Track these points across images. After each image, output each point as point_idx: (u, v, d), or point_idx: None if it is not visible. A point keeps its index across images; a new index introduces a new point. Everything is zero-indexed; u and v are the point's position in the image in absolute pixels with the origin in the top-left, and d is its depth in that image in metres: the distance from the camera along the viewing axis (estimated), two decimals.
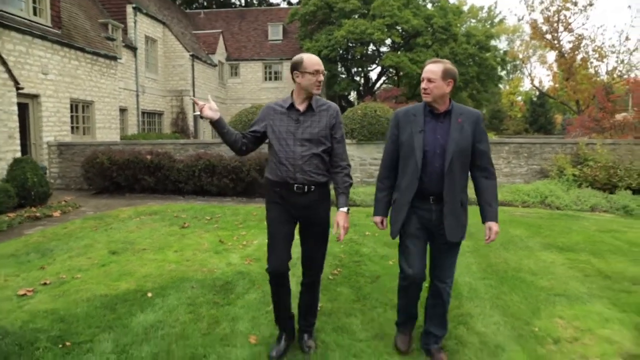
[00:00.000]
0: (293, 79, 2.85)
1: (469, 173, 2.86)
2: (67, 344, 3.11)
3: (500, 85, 42.95)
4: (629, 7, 52.32)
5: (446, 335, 3.08)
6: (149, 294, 4.03)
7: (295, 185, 2.78)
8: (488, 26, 44.77)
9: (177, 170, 10.43)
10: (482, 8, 51.38)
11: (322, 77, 2.82)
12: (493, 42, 30.10)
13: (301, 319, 3.10)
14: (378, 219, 3.03)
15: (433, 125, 2.77)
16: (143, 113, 19.95)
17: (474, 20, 51.24)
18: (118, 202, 9.63)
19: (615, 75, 23.01)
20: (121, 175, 10.53)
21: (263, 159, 10.05)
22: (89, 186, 11.31)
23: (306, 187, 2.79)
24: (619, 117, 13.95)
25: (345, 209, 2.87)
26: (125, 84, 18.15)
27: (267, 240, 2.92)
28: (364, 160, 11.11)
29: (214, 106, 2.87)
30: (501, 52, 30.09)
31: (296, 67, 2.81)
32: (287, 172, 2.78)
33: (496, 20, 50.71)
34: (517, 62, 44.97)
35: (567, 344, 3.18)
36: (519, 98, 52.42)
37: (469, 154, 2.76)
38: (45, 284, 4.35)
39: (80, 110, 13.79)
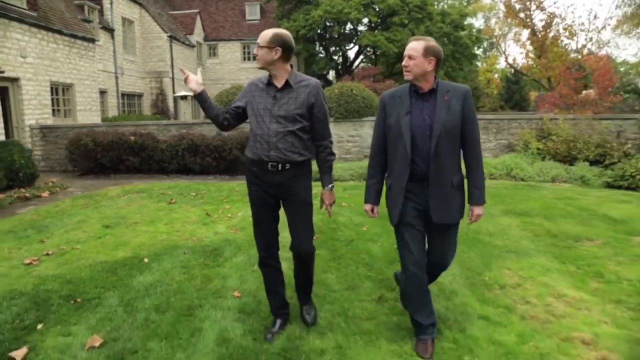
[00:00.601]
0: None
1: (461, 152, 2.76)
2: (78, 300, 3.54)
3: (478, 63, 43.65)
4: None
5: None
6: (145, 260, 4.46)
7: (269, 163, 2.74)
8: (465, 3, 45.27)
9: (160, 150, 10.76)
10: None
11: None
12: (468, 21, 30.60)
13: (299, 292, 3.15)
14: (368, 206, 2.93)
15: (419, 106, 2.66)
16: (123, 95, 20.00)
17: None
18: (104, 183, 9.94)
19: (584, 53, 23.76)
20: (106, 157, 10.81)
21: (244, 137, 10.44)
22: (73, 168, 11.56)
23: (280, 165, 2.74)
24: (584, 93, 14.63)
25: (330, 187, 2.90)
26: (104, 65, 18.16)
27: (253, 226, 2.98)
28: (341, 137, 11.56)
29: (200, 79, 2.88)
30: (475, 31, 30.55)
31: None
32: (262, 150, 2.74)
33: None
34: (494, 40, 45.72)
35: (511, 289, 3.73)
36: (496, 75, 53.25)
37: (458, 133, 2.65)
38: (47, 254, 4.74)
39: (60, 93, 13.90)
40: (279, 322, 3.03)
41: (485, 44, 44.29)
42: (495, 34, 44.22)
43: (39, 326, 3.12)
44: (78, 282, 3.92)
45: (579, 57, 22.54)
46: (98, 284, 3.87)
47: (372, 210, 2.94)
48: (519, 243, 4.91)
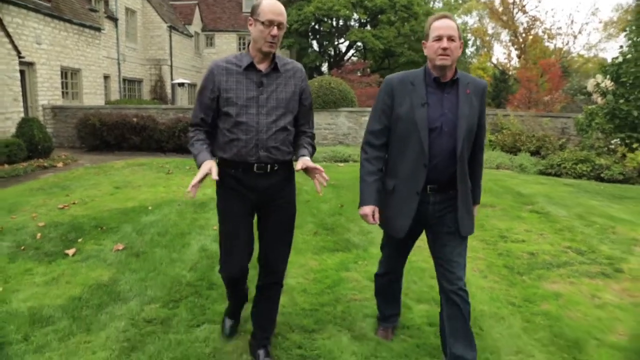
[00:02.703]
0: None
1: None
2: (103, 227, 5.02)
3: (474, 60, 45.04)
4: None
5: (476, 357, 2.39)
6: (150, 207, 5.94)
7: (256, 165, 2.26)
8: (461, 1, 46.65)
9: (159, 131, 12.20)
10: None
11: (276, 31, 2.19)
12: (463, 19, 32.03)
13: (257, 328, 2.56)
14: (368, 209, 2.37)
15: (438, 97, 2.28)
16: (124, 80, 21.34)
17: None
18: (109, 157, 11.37)
19: (566, 55, 25.25)
20: (111, 135, 12.23)
21: None
22: (81, 144, 12.97)
23: (269, 166, 2.28)
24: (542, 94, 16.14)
25: (307, 156, 2.36)
26: (107, 52, 19.48)
27: (219, 241, 2.50)
28: (319, 125, 13.04)
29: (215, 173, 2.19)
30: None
31: (252, 12, 2.25)
32: (246, 149, 2.24)
33: None
34: (487, 38, 47.21)
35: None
36: (487, 74, 54.83)
37: (474, 132, 2.33)
38: (74, 203, 6.20)
39: (69, 77, 15.26)
40: (231, 323, 2.83)
41: (478, 41, 45.75)
42: (490, 32, 45.58)
43: (79, 240, 4.60)
44: (101, 218, 5.40)
45: (559, 58, 24.01)
46: (116, 220, 5.35)
47: (373, 215, 2.37)
48: None
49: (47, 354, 2.58)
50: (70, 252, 4.24)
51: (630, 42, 9.76)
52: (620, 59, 9.76)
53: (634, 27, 9.70)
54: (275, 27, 2.18)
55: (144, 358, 2.55)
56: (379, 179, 2.40)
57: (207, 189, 7.30)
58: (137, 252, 4.28)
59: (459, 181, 2.29)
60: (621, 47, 10.02)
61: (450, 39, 2.20)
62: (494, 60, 41.41)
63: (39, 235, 4.71)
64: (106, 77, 19.27)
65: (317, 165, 2.23)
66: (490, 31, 44.20)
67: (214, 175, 2.15)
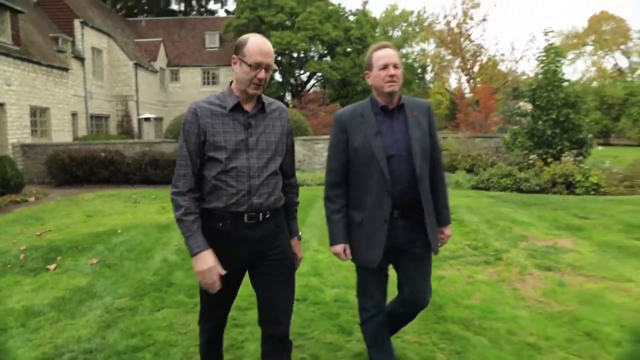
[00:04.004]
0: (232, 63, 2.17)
1: None
2: (78, 247, 5.85)
3: (432, 85, 47.41)
4: (514, 23, 61.00)
5: None
6: (119, 231, 6.79)
7: (247, 214, 2.10)
8: (418, 29, 49.14)
9: (127, 164, 13.00)
10: (412, 12, 55.94)
11: (263, 74, 2.07)
12: (421, 46, 34.00)
13: None
14: (339, 247, 2.44)
15: (388, 125, 2.36)
16: (91, 117, 22.05)
17: (405, 24, 55.61)
18: (79, 191, 12.08)
19: (504, 80, 27.20)
20: (80, 170, 12.96)
21: None
22: (51, 180, 13.61)
23: (261, 214, 2.13)
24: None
25: (300, 235, 2.39)
26: (74, 90, 20.21)
27: (200, 300, 2.35)
28: None
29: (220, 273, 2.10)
30: (411, 60, 34.06)
31: (237, 50, 2.11)
32: (237, 197, 2.08)
33: (425, 24, 55.37)
34: (444, 64, 49.76)
35: None
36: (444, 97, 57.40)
37: (429, 152, 2.40)
38: (50, 230, 6.99)
39: (38, 115, 15.96)
40: None
41: (436, 66, 48.24)
42: (447, 58, 48.03)
43: (58, 258, 5.43)
44: (76, 241, 6.22)
45: (502, 84, 25.90)
46: (89, 242, 6.18)
47: (345, 252, 2.45)
48: None
49: (41, 332, 3.45)
50: (52, 267, 5.07)
51: (542, 70, 11.22)
52: (535, 85, 11.19)
53: (544, 58, 11.18)
54: (263, 70, 2.06)
55: (116, 331, 3.43)
56: (344, 215, 2.44)
57: (170, 213, 8.20)
58: (109, 264, 5.14)
59: (424, 202, 2.35)
60: (536, 74, 11.48)
61: (395, 66, 2.31)
62: (451, 85, 43.88)
63: (22, 256, 5.51)
64: (74, 115, 19.95)
65: (301, 256, 2.41)
66: (448, 57, 46.77)
67: (221, 271, 2.08)
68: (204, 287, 2.11)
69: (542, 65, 11.21)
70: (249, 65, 2.04)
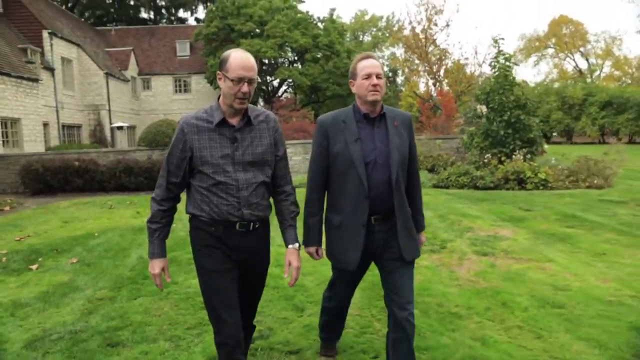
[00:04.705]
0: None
1: None
2: (58, 250, 6.25)
3: (403, 88, 48.47)
4: (476, 27, 62.94)
5: None
6: (96, 234, 7.18)
7: (239, 223, 2.22)
8: (387, 34, 50.22)
9: (101, 173, 13.29)
10: (381, 17, 57.13)
11: (246, 88, 2.15)
12: (390, 50, 34.81)
13: None
14: (313, 249, 2.58)
15: (369, 132, 2.43)
16: (63, 126, 22.13)
17: (374, 29, 56.72)
18: (54, 199, 12.32)
19: (470, 82, 28.22)
20: (54, 179, 13.19)
21: None
22: (24, 189, 13.78)
23: (251, 224, 2.25)
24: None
25: (297, 245, 2.41)
26: (45, 101, 20.29)
27: (206, 304, 2.35)
28: None
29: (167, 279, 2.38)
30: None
31: (220, 66, 2.22)
32: (228, 207, 2.19)
33: (395, 28, 56.56)
34: (413, 67, 51.00)
35: None
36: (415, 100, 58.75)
37: (407, 161, 2.48)
38: (29, 236, 7.34)
39: (9, 126, 16.07)
40: None
41: (406, 70, 49.40)
42: (416, 62, 49.22)
43: (40, 259, 5.82)
44: (55, 244, 6.61)
45: (466, 87, 26.91)
46: (68, 244, 6.57)
47: (317, 252, 2.60)
48: None
49: (30, 320, 3.88)
50: (34, 267, 5.47)
51: (494, 75, 12.02)
52: (488, 89, 11.97)
53: (495, 64, 11.97)
54: (246, 84, 2.14)
55: (98, 316, 3.90)
56: (320, 219, 2.56)
57: (145, 217, 8.62)
58: (89, 263, 5.57)
59: (397, 209, 2.41)
60: (487, 79, 12.25)
61: (378, 76, 2.38)
62: (420, 88, 45.04)
63: (4, 259, 5.88)
64: (45, 125, 20.03)
65: (299, 265, 2.39)
66: (416, 62, 47.98)
67: (167, 278, 2.37)
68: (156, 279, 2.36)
69: (493, 70, 12.00)
70: (232, 80, 2.14)
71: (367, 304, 3.98)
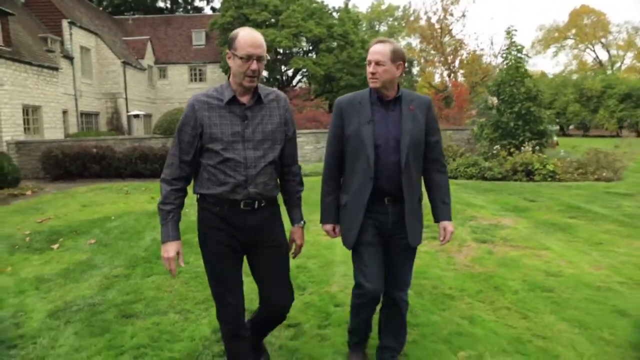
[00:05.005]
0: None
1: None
2: (77, 231, 6.58)
3: (419, 79, 48.32)
4: (492, 18, 62.01)
5: (402, 350, 2.84)
6: (112, 217, 7.51)
7: (243, 201, 2.22)
8: (404, 24, 49.94)
9: (117, 159, 13.67)
10: (398, 7, 56.82)
11: (255, 66, 2.14)
12: (407, 40, 34.76)
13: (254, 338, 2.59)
14: (329, 226, 2.60)
15: (383, 115, 2.43)
16: (81, 114, 22.63)
17: (391, 18, 56.45)
18: (73, 185, 12.74)
19: (485, 75, 28.05)
20: (73, 165, 13.61)
21: None
22: (45, 175, 14.24)
23: (256, 202, 2.24)
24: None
25: (302, 223, 2.49)
26: (65, 89, 20.76)
27: (210, 285, 2.40)
28: None
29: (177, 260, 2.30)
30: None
31: (229, 45, 2.21)
32: (234, 186, 2.19)
33: (411, 19, 56.21)
34: (429, 58, 50.71)
35: None
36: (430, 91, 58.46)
37: (422, 146, 2.46)
38: (50, 218, 7.70)
39: (30, 113, 16.53)
40: None
41: (422, 60, 49.18)
42: (432, 53, 48.95)
43: (60, 239, 6.16)
44: (74, 226, 6.95)
45: (480, 79, 26.77)
46: (86, 226, 6.91)
47: (334, 230, 2.62)
48: None
49: (52, 293, 4.19)
50: (55, 246, 5.80)
51: (505, 67, 12.06)
52: (499, 80, 12.02)
53: (506, 55, 12.01)
54: (255, 61, 2.13)
55: (114, 291, 4.19)
56: (336, 197, 2.57)
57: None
58: (105, 243, 5.88)
59: (405, 192, 2.40)
60: (500, 70, 12.30)
61: (377, 63, 2.35)
62: (435, 79, 44.81)
63: (27, 239, 6.23)
64: (64, 112, 20.52)
65: (302, 243, 2.52)
66: (432, 52, 47.74)
67: (181, 262, 2.28)
68: (166, 268, 2.31)
69: (505, 62, 12.04)
70: (241, 58, 2.12)
71: None
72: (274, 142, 2.26)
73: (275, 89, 2.41)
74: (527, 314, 3.53)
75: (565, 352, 2.94)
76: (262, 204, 2.26)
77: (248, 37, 2.13)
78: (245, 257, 2.42)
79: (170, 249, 2.25)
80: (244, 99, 2.23)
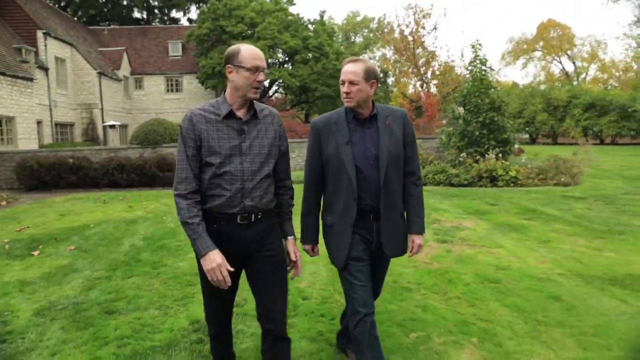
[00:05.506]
0: (226, 74, 2.27)
1: None
2: (57, 239, 6.78)
3: (394, 89, 49.18)
4: (462, 31, 63.90)
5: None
6: (91, 225, 7.72)
7: (240, 215, 2.24)
8: (379, 36, 50.88)
9: (94, 170, 13.79)
10: (373, 19, 57.83)
11: (262, 77, 2.24)
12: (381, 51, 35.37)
13: None
14: (308, 247, 2.66)
15: (360, 134, 2.46)
16: (56, 124, 22.54)
17: (366, 30, 57.39)
18: (49, 195, 12.81)
19: (456, 85, 28.88)
20: (49, 175, 13.67)
21: (161, 158, 13.71)
22: (19, 185, 14.25)
23: (253, 215, 2.27)
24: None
25: (294, 237, 2.51)
26: (39, 99, 20.70)
27: (204, 298, 2.49)
28: None
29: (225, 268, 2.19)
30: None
31: (230, 60, 2.23)
32: (231, 199, 2.22)
33: (385, 30, 57.24)
34: (404, 69, 51.74)
35: None
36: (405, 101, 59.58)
37: (402, 159, 2.48)
38: (28, 227, 7.86)
39: (3, 124, 16.49)
40: None
41: (396, 71, 50.14)
42: (407, 64, 49.97)
43: (40, 247, 6.36)
44: (53, 234, 7.14)
45: (451, 90, 27.59)
46: (65, 234, 7.11)
47: (313, 250, 2.68)
48: None
49: (36, 294, 4.44)
50: (35, 253, 6.01)
51: (470, 79, 12.67)
52: (465, 92, 12.62)
53: (471, 68, 12.63)
54: (261, 73, 2.22)
55: (96, 291, 4.46)
56: (315, 218, 2.61)
57: (137, 211, 9.16)
58: (86, 249, 6.12)
59: (383, 207, 2.43)
60: (466, 82, 12.91)
61: (351, 82, 2.37)
62: (409, 89, 45.71)
63: (7, 246, 6.42)
64: (39, 123, 20.44)
65: (299, 258, 2.48)
66: (407, 63, 48.77)
67: (229, 267, 2.18)
68: (215, 284, 2.18)
69: (470, 74, 12.65)
70: (248, 70, 2.17)
71: (330, 280, 4.57)
72: (269, 156, 2.30)
73: (267, 105, 2.47)
74: (474, 302, 3.94)
75: (502, 331, 3.36)
76: (259, 217, 2.29)
77: (252, 50, 2.22)
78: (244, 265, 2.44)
79: (216, 257, 2.17)
80: (240, 113, 2.27)
